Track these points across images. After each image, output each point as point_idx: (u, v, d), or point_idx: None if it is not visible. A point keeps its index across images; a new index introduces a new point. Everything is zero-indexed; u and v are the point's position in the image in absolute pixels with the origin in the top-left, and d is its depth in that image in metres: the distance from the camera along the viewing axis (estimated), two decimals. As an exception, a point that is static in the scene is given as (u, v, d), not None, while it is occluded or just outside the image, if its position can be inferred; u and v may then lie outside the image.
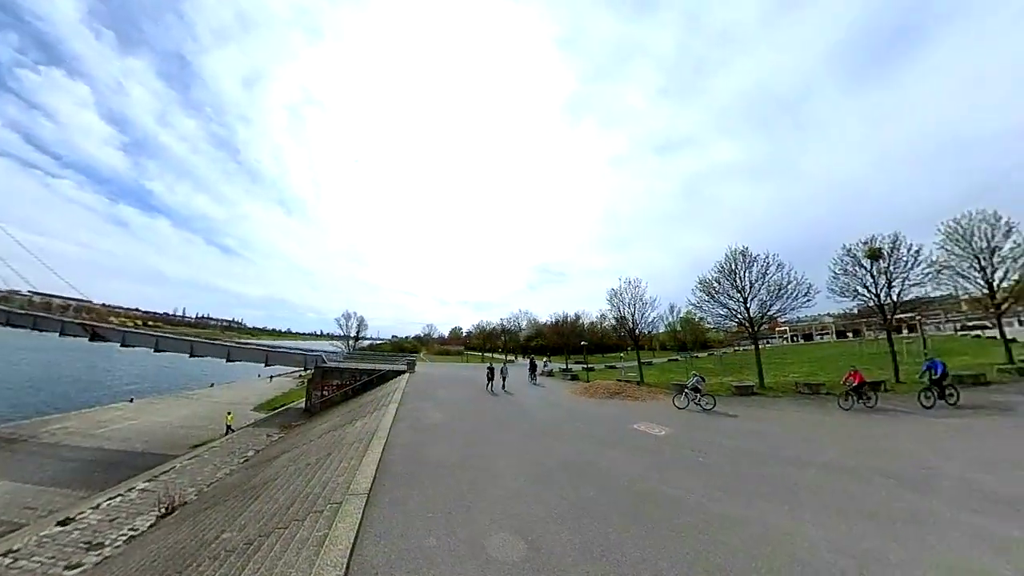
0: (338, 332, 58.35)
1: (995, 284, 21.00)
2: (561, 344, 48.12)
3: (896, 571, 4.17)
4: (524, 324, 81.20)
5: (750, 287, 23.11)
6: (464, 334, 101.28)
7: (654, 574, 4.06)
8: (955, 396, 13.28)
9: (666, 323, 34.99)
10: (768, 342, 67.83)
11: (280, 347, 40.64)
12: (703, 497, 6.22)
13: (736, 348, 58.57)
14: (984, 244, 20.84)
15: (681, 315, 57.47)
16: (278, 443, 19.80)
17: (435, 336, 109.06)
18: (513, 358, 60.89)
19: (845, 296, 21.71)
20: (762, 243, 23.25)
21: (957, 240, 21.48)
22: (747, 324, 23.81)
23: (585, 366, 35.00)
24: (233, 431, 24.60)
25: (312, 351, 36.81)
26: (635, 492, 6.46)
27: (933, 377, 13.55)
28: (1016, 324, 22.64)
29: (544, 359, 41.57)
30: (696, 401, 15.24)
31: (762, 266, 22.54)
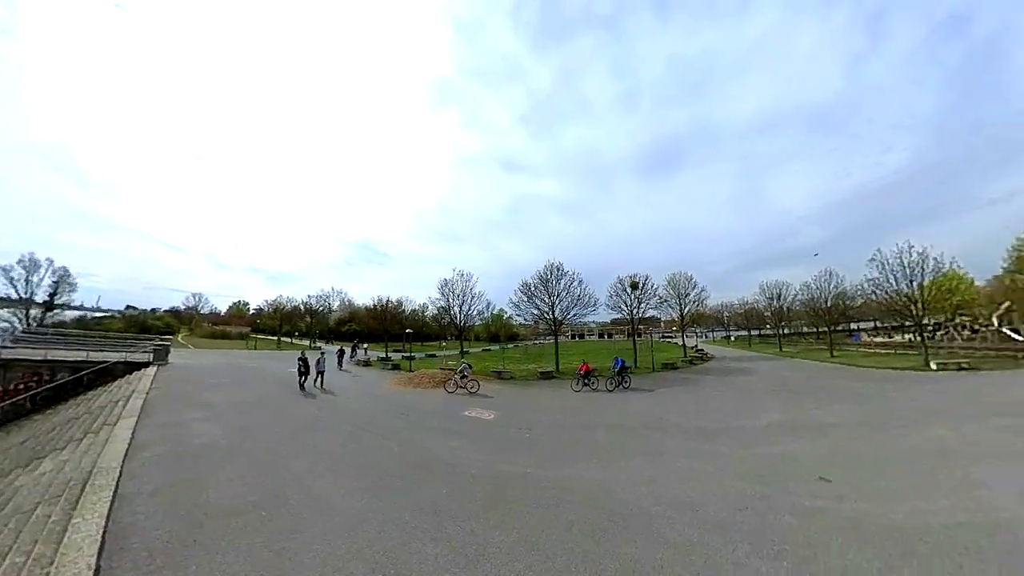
0: (7, 293, 35.94)
1: (683, 313, 35.90)
2: (380, 330, 45.04)
3: (664, 485, 6.38)
4: (336, 305, 72.07)
5: (558, 295, 28.24)
6: (252, 311, 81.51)
7: (530, 549, 4.32)
8: (628, 382, 18.94)
9: (482, 317, 38.08)
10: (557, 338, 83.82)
11: None
12: (540, 468, 7.14)
13: (536, 341, 69.62)
14: (682, 290, 35.63)
15: (495, 311, 64.06)
16: None
17: (206, 311, 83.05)
18: (320, 345, 53.16)
19: (614, 310, 31.09)
20: (568, 262, 28.72)
21: (673, 286, 35.95)
22: (551, 323, 28.98)
23: (406, 355, 34.07)
24: None
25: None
26: (484, 478, 6.52)
27: (616, 369, 18.87)
28: (685, 336, 38.67)
29: (364, 346, 38.22)
30: (464, 386, 17.10)
31: (569, 280, 28.04)
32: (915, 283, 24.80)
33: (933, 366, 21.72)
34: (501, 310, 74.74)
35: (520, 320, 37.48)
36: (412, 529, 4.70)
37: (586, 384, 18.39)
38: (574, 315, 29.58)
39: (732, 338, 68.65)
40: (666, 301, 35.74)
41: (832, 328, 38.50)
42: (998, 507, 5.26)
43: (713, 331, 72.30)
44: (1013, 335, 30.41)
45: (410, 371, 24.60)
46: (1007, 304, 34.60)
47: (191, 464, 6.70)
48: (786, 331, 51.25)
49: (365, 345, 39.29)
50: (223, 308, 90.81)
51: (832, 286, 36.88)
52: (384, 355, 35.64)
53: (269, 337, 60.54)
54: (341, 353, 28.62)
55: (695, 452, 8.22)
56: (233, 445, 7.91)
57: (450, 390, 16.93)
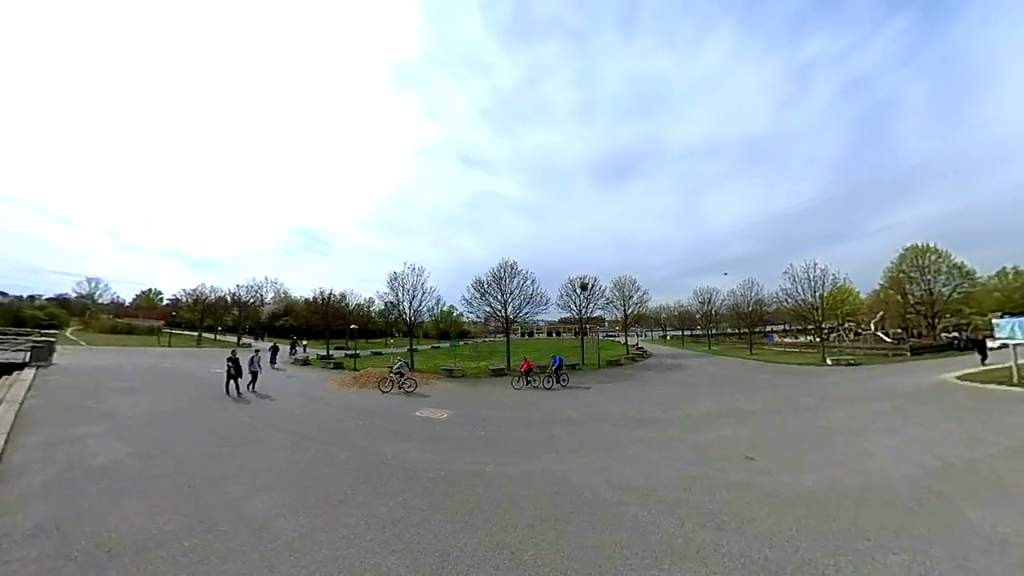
0: None
1: (627, 313, 38.37)
2: (321, 326, 42.08)
3: (617, 472, 6.75)
4: (270, 296, 66.02)
5: (511, 293, 28.54)
6: (166, 302, 72.05)
7: (496, 548, 4.23)
8: (566, 380, 18.83)
9: (432, 314, 36.60)
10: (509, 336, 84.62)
11: None
12: (498, 466, 7.17)
13: (486, 339, 69.64)
14: (627, 293, 37.98)
15: (444, 308, 63.05)
16: None
17: (106, 301, 71.65)
18: (251, 342, 48.60)
19: (564, 309, 32.48)
20: (521, 262, 29.27)
21: (618, 288, 38.20)
22: (503, 320, 29.22)
23: (350, 352, 32.33)
24: None
25: None
26: (442, 480, 6.29)
27: (553, 367, 18.90)
28: (627, 335, 41.22)
29: (303, 343, 35.56)
30: (400, 385, 16.27)
31: (522, 279, 28.44)
32: (817, 294, 29.11)
33: (828, 362, 25.43)
34: (451, 306, 73.78)
35: (472, 317, 37.19)
36: (368, 542, 4.33)
37: (528, 382, 18.33)
38: (526, 313, 30.10)
39: (668, 337, 74.35)
40: (612, 302, 37.94)
41: (751, 330, 43.57)
42: (879, 471, 6.37)
43: (652, 330, 77.67)
44: (884, 338, 36.62)
45: (355, 370, 23.33)
46: (881, 314, 41.66)
47: (88, 491, 5.40)
48: (714, 331, 56.59)
49: (304, 342, 36.53)
50: (128, 297, 79.13)
51: (753, 294, 42.40)
52: (325, 353, 33.47)
53: (187, 333, 53.88)
54: (275, 350, 26.48)
55: (642, 440, 8.83)
56: (144, 465, 6.58)
57: (385, 389, 16.15)
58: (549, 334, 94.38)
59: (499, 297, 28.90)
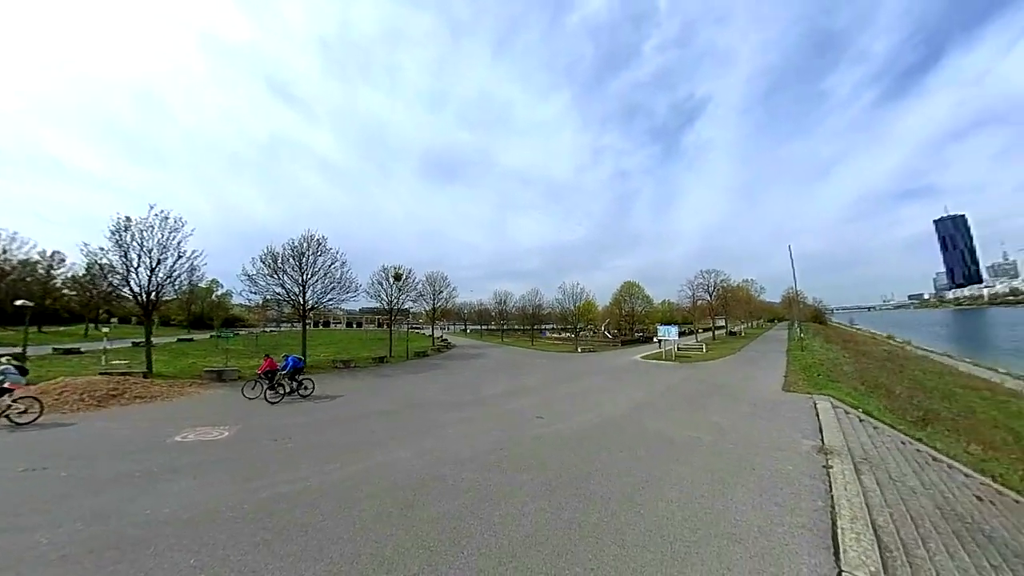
0: None
1: (435, 307, 39.60)
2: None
3: (444, 449, 7.18)
4: None
5: (314, 274, 24.65)
6: None
7: (351, 560, 3.86)
8: (310, 387, 13.78)
9: (179, 290, 22.81)
10: (293, 325, 71.82)
11: None
12: (322, 475, 6.15)
13: (266, 329, 57.20)
14: (437, 288, 39.56)
15: (202, 283, 48.05)
16: None
17: None
18: None
19: (374, 298, 31.20)
20: (326, 235, 25.88)
21: (430, 282, 39.30)
22: (300, 307, 24.72)
23: (8, 351, 20.29)
24: None
25: None
26: (254, 514, 4.90)
27: (285, 369, 13.57)
28: (434, 328, 43.19)
29: None
30: (4, 414, 9.54)
31: (331, 259, 24.95)
32: (576, 304, 39.61)
33: (579, 350, 34.69)
34: (213, 281, 56.45)
35: (256, 299, 29.14)
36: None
37: (271, 387, 12.92)
38: (331, 300, 26.73)
39: (468, 331, 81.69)
40: (423, 295, 38.78)
41: (533, 327, 54.09)
42: (607, 412, 9.70)
43: (455, 324, 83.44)
44: (608, 335, 53.05)
45: (28, 383, 13.63)
46: (608, 320, 60.34)
47: None
48: (506, 327, 66.45)
49: None
50: None
51: (536, 300, 53.14)
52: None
53: None
54: None
55: (459, 420, 9.63)
56: None
57: None
58: (349, 324, 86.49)
59: (298, 277, 24.53)
